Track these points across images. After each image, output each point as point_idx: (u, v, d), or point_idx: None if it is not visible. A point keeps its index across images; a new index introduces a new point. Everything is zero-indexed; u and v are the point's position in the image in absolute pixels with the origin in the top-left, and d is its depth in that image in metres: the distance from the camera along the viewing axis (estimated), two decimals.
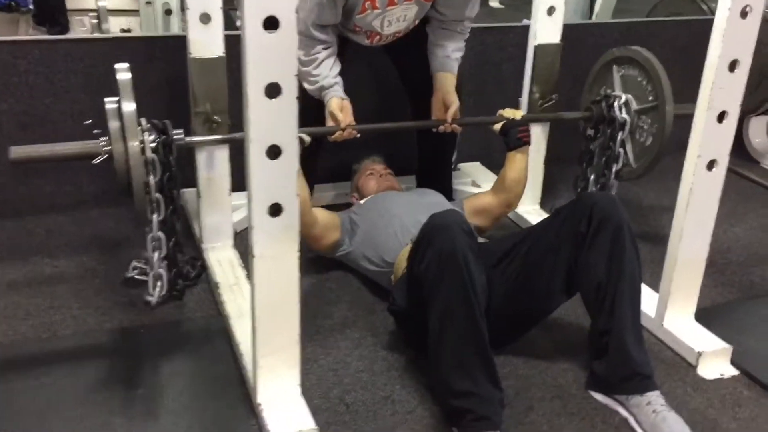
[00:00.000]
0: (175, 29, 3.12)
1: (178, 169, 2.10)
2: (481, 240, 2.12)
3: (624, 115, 2.51)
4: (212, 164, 2.38)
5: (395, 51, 2.56)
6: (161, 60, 2.67)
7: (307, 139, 2.22)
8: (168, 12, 3.12)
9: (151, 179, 2.03)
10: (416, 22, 2.41)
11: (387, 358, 2.00)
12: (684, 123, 2.28)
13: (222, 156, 2.38)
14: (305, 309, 2.17)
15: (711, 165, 1.95)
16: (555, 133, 2.78)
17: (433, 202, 2.37)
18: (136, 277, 2.29)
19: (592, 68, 2.71)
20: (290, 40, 1.46)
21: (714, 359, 2.01)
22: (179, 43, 2.38)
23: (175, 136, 2.07)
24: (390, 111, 2.69)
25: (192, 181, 2.45)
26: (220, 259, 2.39)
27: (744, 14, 1.80)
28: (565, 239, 1.90)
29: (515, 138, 2.40)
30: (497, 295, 1.92)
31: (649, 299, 2.16)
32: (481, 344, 1.68)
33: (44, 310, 2.16)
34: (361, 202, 2.47)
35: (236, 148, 2.47)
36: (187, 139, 2.10)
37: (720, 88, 1.86)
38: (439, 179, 2.72)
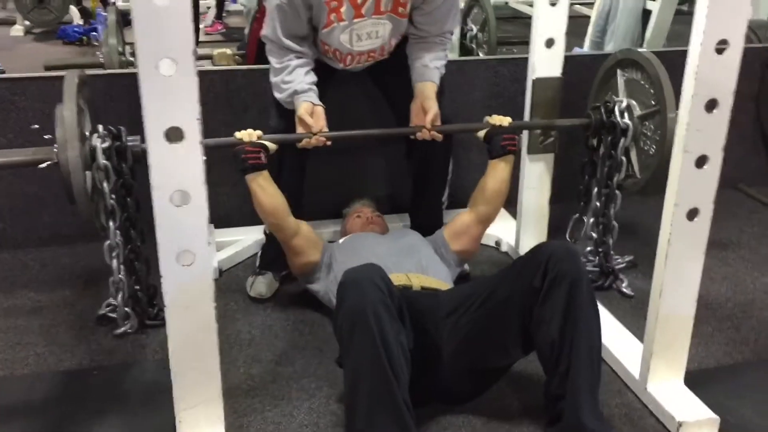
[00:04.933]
0: None
1: (133, 177, 2.08)
2: (442, 287, 1.99)
3: (626, 120, 2.31)
4: None
5: (380, 76, 2.47)
6: None
7: (272, 146, 2.14)
8: None
9: (105, 186, 2.02)
10: (393, 42, 2.31)
11: (336, 413, 1.89)
12: None
13: None
14: (269, 354, 2.15)
15: (692, 214, 1.75)
16: (561, 170, 2.61)
17: (408, 244, 2.25)
18: (108, 314, 2.27)
19: (597, 74, 2.52)
20: (189, 81, 1.40)
21: (697, 431, 1.80)
22: None
23: (130, 143, 2.03)
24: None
25: None
26: None
27: (720, 50, 1.61)
28: (519, 293, 1.75)
29: (499, 145, 2.24)
30: (449, 347, 1.81)
31: (636, 358, 1.98)
32: (396, 409, 1.55)
33: (11, 346, 2.17)
34: (340, 241, 2.37)
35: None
36: (143, 145, 2.06)
37: (697, 130, 1.67)
38: (427, 215, 2.59)
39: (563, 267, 1.69)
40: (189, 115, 1.42)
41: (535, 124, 2.49)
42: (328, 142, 2.18)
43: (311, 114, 2.17)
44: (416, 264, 2.14)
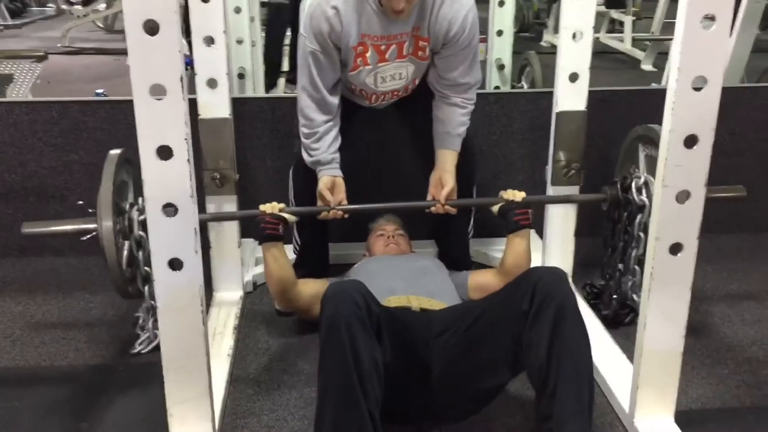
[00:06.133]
0: (249, 92, 3.34)
1: None
2: (432, 307, 2.06)
3: (643, 197, 2.30)
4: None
5: (405, 110, 2.58)
6: None
7: (292, 219, 2.30)
8: (240, 76, 3.35)
9: (140, 255, 2.21)
10: (416, 81, 2.42)
11: None
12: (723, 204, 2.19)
13: (230, 207, 2.52)
14: (280, 364, 2.28)
15: (675, 249, 1.76)
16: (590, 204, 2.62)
17: (420, 267, 2.33)
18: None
19: (621, 146, 2.53)
20: (177, 105, 1.56)
21: None
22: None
23: None
24: (401, 173, 2.70)
25: None
26: (222, 306, 2.51)
27: (697, 88, 1.63)
28: (508, 316, 1.81)
29: (512, 221, 2.31)
30: (438, 366, 1.87)
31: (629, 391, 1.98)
32: (361, 423, 1.60)
33: (57, 340, 2.41)
34: (356, 265, 2.48)
35: (243, 202, 2.62)
36: None
37: (676, 165, 1.69)
38: (454, 245, 2.67)
39: (550, 290, 1.74)
40: (178, 136, 1.58)
41: (550, 198, 2.56)
42: (346, 215, 2.32)
43: (331, 188, 2.31)
44: (424, 287, 2.21)
